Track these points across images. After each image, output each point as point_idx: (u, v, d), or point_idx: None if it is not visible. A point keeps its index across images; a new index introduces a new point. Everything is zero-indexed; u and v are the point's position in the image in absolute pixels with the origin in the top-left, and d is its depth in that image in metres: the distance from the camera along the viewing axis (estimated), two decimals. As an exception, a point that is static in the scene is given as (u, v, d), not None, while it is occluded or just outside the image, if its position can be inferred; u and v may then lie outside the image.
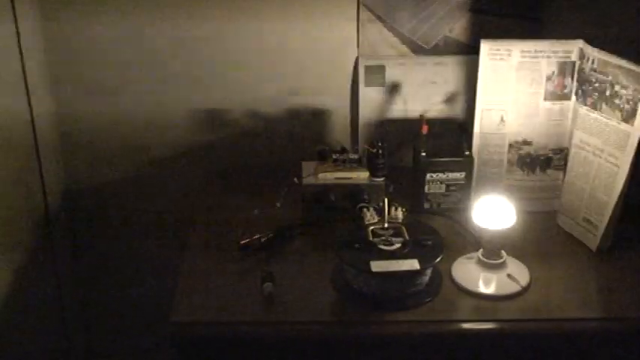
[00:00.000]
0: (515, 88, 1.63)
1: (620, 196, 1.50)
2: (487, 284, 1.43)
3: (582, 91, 1.58)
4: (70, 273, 1.97)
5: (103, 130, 1.86)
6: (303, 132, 1.85)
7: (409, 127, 1.79)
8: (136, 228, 1.94)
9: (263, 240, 1.55)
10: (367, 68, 1.81)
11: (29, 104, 1.74)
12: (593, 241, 1.55)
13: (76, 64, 1.80)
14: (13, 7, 1.66)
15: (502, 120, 1.65)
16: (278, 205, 1.68)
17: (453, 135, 1.71)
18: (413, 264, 1.36)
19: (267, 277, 1.44)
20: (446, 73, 1.82)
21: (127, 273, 1.99)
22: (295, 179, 1.63)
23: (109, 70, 1.81)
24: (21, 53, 1.70)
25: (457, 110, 1.84)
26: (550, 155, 1.67)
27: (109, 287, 2.01)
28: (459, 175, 1.65)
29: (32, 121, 1.76)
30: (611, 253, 1.54)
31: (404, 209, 1.48)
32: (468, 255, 1.49)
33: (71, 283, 1.98)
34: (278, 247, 1.55)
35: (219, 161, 1.87)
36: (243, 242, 1.54)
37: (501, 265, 1.44)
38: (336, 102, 1.85)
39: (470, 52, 1.77)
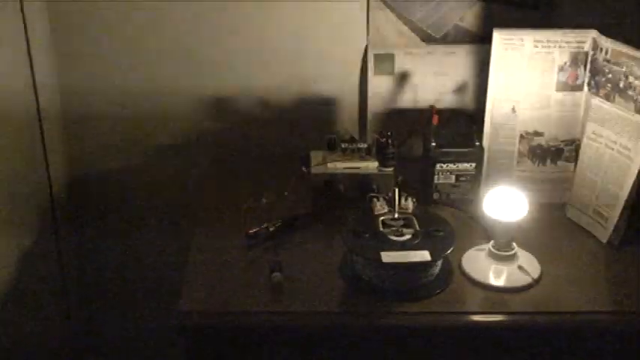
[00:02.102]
0: (527, 78, 1.61)
1: (632, 189, 1.48)
2: (498, 276, 1.42)
3: (595, 82, 1.57)
4: (75, 260, 1.97)
5: (109, 117, 1.85)
6: (312, 121, 1.84)
7: (419, 116, 1.78)
8: (142, 216, 1.93)
9: (271, 229, 1.54)
10: (376, 57, 1.79)
11: (35, 92, 1.73)
12: (604, 234, 1.54)
13: (83, 52, 1.79)
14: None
15: (513, 110, 1.64)
16: (286, 194, 1.67)
17: (463, 125, 1.70)
18: (424, 255, 1.35)
19: (276, 266, 1.42)
20: (456, 62, 1.80)
21: (133, 261, 1.98)
22: (304, 168, 1.62)
23: (115, 58, 1.80)
24: (28, 44, 1.69)
25: (467, 100, 1.82)
26: (561, 146, 1.65)
27: (114, 276, 2.00)
28: (469, 166, 1.64)
29: (38, 108, 1.75)
30: (621, 246, 1.52)
31: (414, 200, 1.46)
32: (479, 246, 1.48)
33: (76, 270, 1.97)
34: (286, 237, 1.54)
35: (227, 150, 1.86)
36: (251, 231, 1.52)
37: (512, 257, 1.43)
38: (345, 91, 1.83)
39: (481, 41, 1.75)
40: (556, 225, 1.61)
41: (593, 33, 1.57)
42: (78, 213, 1.94)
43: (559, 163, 1.66)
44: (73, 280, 1.95)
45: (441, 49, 1.80)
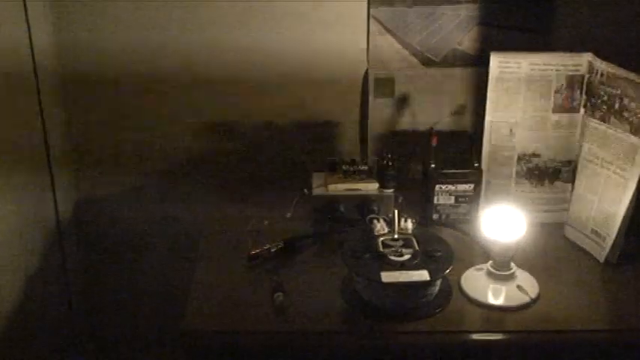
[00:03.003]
0: (524, 100, 1.64)
1: (628, 209, 1.51)
2: (496, 295, 1.44)
3: (591, 103, 1.59)
4: (81, 280, 1.98)
5: (114, 139, 1.87)
6: (314, 143, 1.86)
7: (418, 138, 1.80)
8: (146, 238, 1.95)
9: (273, 250, 1.56)
10: (377, 80, 1.82)
11: (41, 112, 1.76)
12: (602, 253, 1.55)
13: (88, 78, 1.82)
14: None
15: (511, 132, 1.66)
16: (288, 215, 1.69)
17: (462, 147, 1.72)
18: (423, 275, 1.37)
19: (278, 287, 1.45)
20: (455, 85, 1.83)
21: (137, 283, 2.00)
22: (305, 190, 1.65)
23: (122, 80, 1.82)
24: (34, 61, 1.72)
25: (466, 122, 1.85)
26: (559, 167, 1.68)
27: (119, 297, 2.02)
28: (468, 187, 1.66)
29: (44, 129, 1.77)
30: (619, 265, 1.54)
31: (413, 220, 1.49)
32: (478, 266, 1.50)
33: (82, 289, 1.99)
34: (288, 258, 1.57)
35: (230, 172, 1.88)
36: (253, 252, 1.55)
37: (511, 277, 1.45)
38: (346, 113, 1.86)
39: (479, 64, 1.78)
40: (554, 245, 1.63)
41: (589, 56, 1.60)
42: (83, 234, 1.96)
43: (556, 183, 1.69)
44: (78, 297, 1.97)
45: (440, 72, 1.83)
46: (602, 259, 1.56)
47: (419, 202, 1.69)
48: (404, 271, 1.38)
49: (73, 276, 1.94)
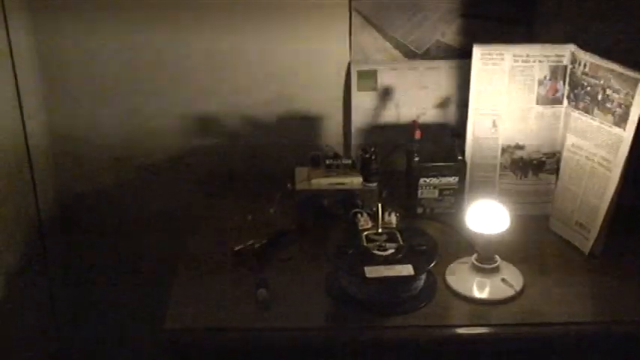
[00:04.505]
0: (508, 92, 1.63)
1: (612, 200, 1.50)
2: (481, 289, 1.43)
3: (574, 95, 1.59)
4: (63, 281, 1.97)
5: (94, 137, 1.86)
6: (296, 138, 1.85)
7: (402, 131, 1.79)
8: (128, 236, 1.93)
9: (257, 246, 1.55)
10: (359, 73, 1.81)
11: (21, 113, 1.74)
12: (586, 245, 1.55)
13: (67, 71, 1.80)
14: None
15: (495, 124, 1.66)
16: (272, 211, 1.68)
17: (445, 139, 1.71)
18: (407, 269, 1.36)
19: (261, 283, 1.43)
20: (438, 77, 1.82)
21: (120, 280, 1.98)
22: (288, 185, 1.63)
23: (100, 77, 1.81)
24: (13, 63, 1.70)
25: (450, 115, 1.84)
26: (543, 159, 1.67)
27: (101, 295, 2.00)
28: (452, 180, 1.65)
29: (24, 129, 1.76)
30: (603, 256, 1.54)
31: (397, 214, 1.48)
32: (462, 259, 1.49)
33: (64, 290, 1.97)
34: (272, 254, 1.55)
35: (212, 168, 1.87)
36: (237, 249, 1.54)
37: (495, 270, 1.44)
38: (329, 107, 1.85)
39: (462, 56, 1.77)
40: (539, 237, 1.62)
41: (572, 47, 1.60)
42: (65, 233, 1.94)
43: (541, 175, 1.68)
44: (61, 302, 1.95)
45: (423, 64, 1.82)
46: (586, 251, 1.55)
47: (403, 196, 1.68)
48: (388, 266, 1.37)
49: (54, 273, 1.92)
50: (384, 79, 1.82)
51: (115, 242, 1.95)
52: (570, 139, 1.60)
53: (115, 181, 1.90)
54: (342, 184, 1.63)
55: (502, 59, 1.62)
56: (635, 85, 1.44)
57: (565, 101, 1.62)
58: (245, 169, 1.87)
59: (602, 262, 1.54)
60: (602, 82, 1.51)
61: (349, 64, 1.81)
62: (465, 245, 1.55)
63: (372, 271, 1.36)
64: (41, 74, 1.80)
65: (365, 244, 1.42)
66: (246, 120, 1.84)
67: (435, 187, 1.66)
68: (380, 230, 1.45)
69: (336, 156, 1.67)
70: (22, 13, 1.73)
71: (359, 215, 1.48)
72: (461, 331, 1.38)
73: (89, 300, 2.01)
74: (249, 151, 1.87)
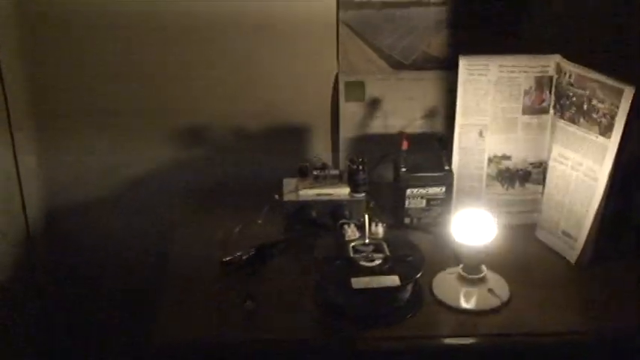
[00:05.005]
0: (494, 102, 1.64)
1: (598, 210, 1.51)
2: (468, 299, 1.44)
3: (560, 105, 1.60)
4: (52, 292, 1.96)
5: (82, 147, 1.85)
6: (284, 148, 1.85)
7: (390, 142, 1.80)
8: (114, 248, 1.93)
9: (245, 257, 1.55)
10: (347, 84, 1.82)
11: (9, 121, 1.74)
12: (573, 255, 1.56)
13: (54, 73, 1.80)
14: None
15: (481, 135, 1.66)
16: (259, 222, 1.68)
17: (432, 150, 1.72)
18: (393, 280, 1.37)
19: (249, 295, 1.43)
20: (425, 88, 1.83)
21: (106, 292, 1.98)
22: (276, 196, 1.64)
23: (89, 84, 1.80)
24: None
25: (437, 125, 1.85)
26: (529, 169, 1.68)
27: (88, 308, 2.00)
28: (440, 190, 1.66)
29: (12, 139, 1.75)
30: (590, 266, 1.55)
31: (384, 225, 1.48)
32: (449, 270, 1.50)
33: (53, 301, 1.97)
34: (260, 265, 1.55)
35: (200, 178, 1.87)
36: (225, 260, 1.54)
37: (482, 280, 1.45)
38: (317, 118, 1.85)
39: (448, 67, 1.77)
40: (526, 247, 1.63)
41: (557, 57, 1.61)
42: (53, 244, 1.94)
43: (527, 185, 1.69)
44: (50, 311, 1.95)
45: (409, 75, 1.83)
46: (573, 261, 1.56)
47: (391, 206, 1.69)
48: (375, 277, 1.37)
49: (43, 282, 1.91)
50: (372, 90, 1.83)
51: (100, 255, 1.94)
52: (556, 149, 1.60)
53: (101, 193, 1.89)
54: (330, 194, 1.63)
55: (488, 70, 1.63)
56: (620, 95, 1.45)
57: (551, 111, 1.63)
58: (233, 181, 1.87)
59: (589, 271, 1.54)
60: (587, 92, 1.52)
61: (337, 75, 1.82)
62: (451, 255, 1.55)
63: (358, 282, 1.36)
64: (31, 77, 1.79)
65: (352, 255, 1.42)
66: (233, 131, 1.84)
67: (422, 198, 1.66)
68: (367, 241, 1.45)
69: (324, 167, 1.67)
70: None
71: (346, 226, 1.49)
72: (448, 341, 1.38)
73: (75, 313, 2.01)
74: (237, 162, 1.86)
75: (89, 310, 2.00)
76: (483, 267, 1.45)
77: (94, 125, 1.84)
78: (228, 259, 1.53)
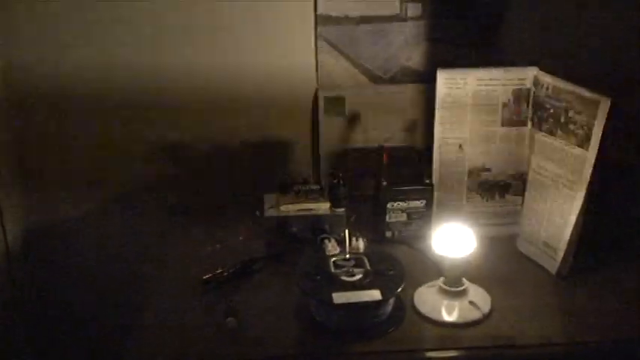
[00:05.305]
0: (473, 115, 1.65)
1: (577, 220, 1.51)
2: (449, 312, 1.44)
3: (538, 117, 1.61)
4: (31, 309, 1.95)
5: (62, 164, 1.85)
6: (265, 164, 1.85)
7: (370, 156, 1.80)
8: (94, 263, 1.92)
9: (226, 274, 1.54)
10: (327, 99, 1.83)
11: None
12: (553, 266, 1.56)
13: (37, 94, 1.79)
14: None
15: (460, 147, 1.67)
16: (241, 238, 1.68)
17: (413, 163, 1.73)
18: (374, 294, 1.36)
19: (230, 311, 1.43)
20: (405, 101, 1.84)
21: (87, 311, 1.96)
22: (257, 212, 1.63)
23: (69, 101, 1.80)
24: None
25: (417, 138, 1.86)
26: (509, 181, 1.69)
27: (71, 325, 1.98)
28: (420, 204, 1.66)
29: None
30: (571, 277, 1.55)
31: (365, 239, 1.48)
32: (430, 283, 1.50)
33: (34, 323, 1.96)
34: (241, 281, 1.55)
35: (181, 195, 1.87)
36: (206, 277, 1.53)
37: (463, 293, 1.45)
38: (298, 133, 1.86)
39: (428, 80, 1.78)
40: (507, 258, 1.63)
41: (534, 70, 1.62)
42: (33, 262, 1.92)
43: (507, 197, 1.70)
44: (30, 328, 1.93)
45: (389, 89, 1.84)
46: (554, 272, 1.56)
47: (372, 220, 1.69)
48: (356, 292, 1.37)
49: (23, 299, 1.90)
50: (352, 104, 1.83)
51: (80, 271, 1.93)
52: (535, 161, 1.61)
53: (81, 211, 1.89)
54: (311, 209, 1.63)
55: (466, 83, 1.64)
56: (597, 107, 1.46)
57: (529, 123, 1.64)
58: (213, 197, 1.87)
59: (569, 281, 1.55)
60: (564, 104, 1.53)
61: (317, 91, 1.82)
62: (433, 268, 1.56)
63: (339, 297, 1.36)
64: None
65: (333, 270, 1.42)
66: (213, 147, 1.84)
67: (403, 211, 1.66)
68: (348, 256, 1.45)
69: (304, 182, 1.67)
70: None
71: (327, 241, 1.49)
72: (430, 354, 1.38)
73: (54, 331, 1.99)
74: (218, 178, 1.87)
75: (67, 329, 1.99)
76: (464, 280, 1.46)
77: (73, 140, 1.83)
78: (208, 276, 1.53)
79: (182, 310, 1.47)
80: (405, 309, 1.45)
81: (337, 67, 1.81)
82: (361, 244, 1.48)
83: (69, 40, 1.75)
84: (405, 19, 1.78)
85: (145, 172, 1.86)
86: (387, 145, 1.77)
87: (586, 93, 1.49)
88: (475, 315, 1.42)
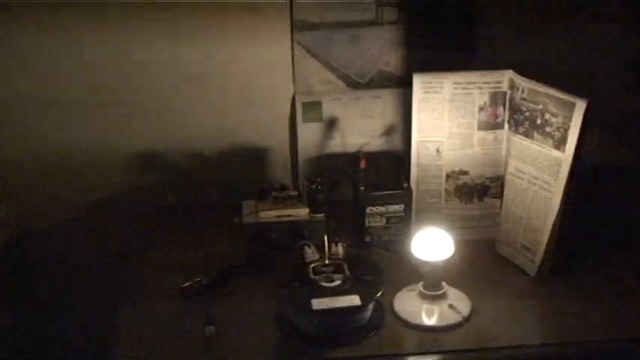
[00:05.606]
0: (449, 119, 1.65)
1: (555, 222, 1.52)
2: (429, 316, 1.44)
3: (514, 120, 1.61)
4: (11, 317, 1.93)
5: (41, 173, 1.83)
6: (243, 171, 1.85)
7: (348, 161, 1.80)
8: (71, 273, 1.90)
9: (204, 282, 1.54)
10: (304, 105, 1.82)
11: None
12: (532, 268, 1.57)
13: (17, 105, 1.78)
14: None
15: (438, 151, 1.67)
16: (219, 245, 1.67)
17: (391, 168, 1.73)
18: (354, 299, 1.36)
19: (209, 319, 1.42)
20: (382, 106, 1.84)
21: (64, 322, 1.95)
22: (236, 219, 1.63)
23: (48, 111, 1.78)
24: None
25: (395, 143, 1.86)
26: (487, 184, 1.69)
27: (51, 333, 1.97)
28: (399, 208, 1.66)
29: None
30: (550, 278, 1.56)
31: (344, 245, 1.48)
32: (410, 287, 1.50)
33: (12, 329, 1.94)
34: (220, 289, 1.54)
35: (159, 203, 1.86)
36: (184, 286, 1.52)
37: (442, 296, 1.45)
38: (275, 139, 1.85)
39: (405, 84, 1.79)
40: (486, 261, 1.64)
41: (510, 73, 1.62)
42: (12, 268, 1.91)
43: (485, 200, 1.70)
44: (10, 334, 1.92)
45: (367, 93, 1.84)
46: (532, 273, 1.57)
47: (351, 225, 1.69)
48: (335, 297, 1.37)
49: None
50: (329, 109, 1.83)
51: (57, 280, 1.91)
52: (512, 164, 1.62)
53: (60, 218, 1.87)
54: (290, 216, 1.62)
55: (442, 87, 1.64)
56: (572, 109, 1.47)
57: (506, 126, 1.64)
58: (191, 205, 1.86)
59: (548, 283, 1.55)
60: (540, 106, 1.54)
61: (294, 96, 1.82)
62: (412, 273, 1.55)
63: (319, 304, 1.36)
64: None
65: (312, 276, 1.42)
66: (191, 154, 1.84)
67: (382, 216, 1.66)
68: (327, 262, 1.45)
69: (282, 188, 1.67)
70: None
71: (306, 247, 1.48)
72: (411, 359, 1.38)
73: (30, 337, 1.97)
74: (195, 185, 1.86)
75: (47, 337, 1.97)
76: (443, 283, 1.46)
77: (52, 149, 1.82)
78: (187, 284, 1.52)
79: (160, 319, 1.46)
80: (385, 313, 1.45)
81: (314, 72, 1.81)
82: (340, 249, 1.47)
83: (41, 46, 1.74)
84: (381, 24, 1.78)
85: (121, 181, 1.85)
86: (364, 150, 1.77)
87: (561, 95, 1.50)
88: (455, 318, 1.43)
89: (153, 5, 1.73)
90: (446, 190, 1.69)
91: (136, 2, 1.72)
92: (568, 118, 1.48)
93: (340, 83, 1.82)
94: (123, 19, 1.73)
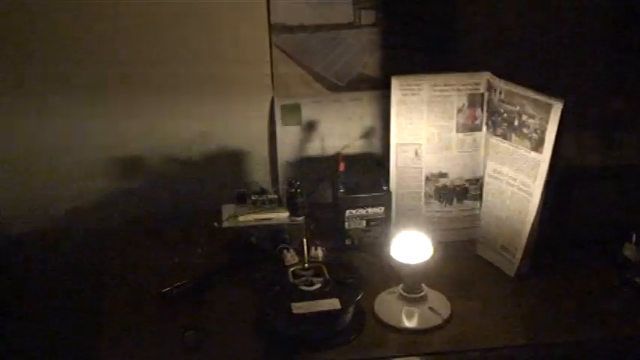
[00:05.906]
0: (428, 121, 1.66)
1: (534, 223, 1.53)
2: (409, 318, 1.44)
3: (492, 121, 1.62)
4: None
5: (17, 180, 1.82)
6: (222, 175, 1.84)
7: (328, 164, 1.80)
8: (50, 281, 1.89)
9: (185, 287, 1.53)
10: (283, 107, 1.82)
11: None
12: (511, 268, 1.58)
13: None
14: None
15: (417, 154, 1.67)
16: (199, 250, 1.67)
17: (370, 170, 1.73)
18: (334, 303, 1.36)
19: (190, 325, 1.42)
20: (362, 109, 1.84)
21: (42, 329, 1.93)
22: (215, 223, 1.62)
23: (24, 117, 1.77)
24: None
25: (375, 145, 1.86)
26: (466, 186, 1.69)
27: (27, 338, 1.95)
28: (379, 210, 1.66)
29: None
30: (529, 279, 1.57)
31: (324, 248, 1.48)
32: (390, 290, 1.50)
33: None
34: (201, 294, 1.54)
35: (138, 209, 1.84)
36: (164, 291, 1.52)
37: (422, 299, 1.45)
38: (254, 143, 1.85)
39: (384, 87, 1.78)
40: (466, 262, 1.64)
41: (488, 75, 1.63)
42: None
43: (465, 202, 1.70)
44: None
45: (346, 96, 1.84)
46: (512, 274, 1.58)
47: (331, 228, 1.69)
48: (315, 301, 1.37)
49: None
50: (309, 112, 1.83)
51: (36, 288, 1.90)
52: (491, 165, 1.62)
53: (38, 226, 1.86)
54: (269, 219, 1.62)
55: (420, 89, 1.64)
56: (549, 110, 1.48)
57: (484, 128, 1.65)
58: (170, 209, 1.85)
59: (528, 284, 1.56)
60: (517, 108, 1.55)
61: (272, 99, 1.82)
62: (392, 275, 1.55)
63: (299, 307, 1.35)
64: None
65: (292, 280, 1.42)
66: (170, 159, 1.83)
67: (361, 218, 1.66)
68: (306, 265, 1.45)
69: (262, 191, 1.67)
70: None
71: (285, 251, 1.48)
72: (391, 361, 1.39)
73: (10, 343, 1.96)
74: (175, 190, 1.85)
75: (29, 345, 1.96)
76: (423, 285, 1.46)
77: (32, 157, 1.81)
78: (167, 289, 1.51)
79: (140, 326, 1.45)
80: (365, 317, 1.45)
81: (293, 75, 1.80)
82: (320, 252, 1.47)
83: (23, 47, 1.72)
84: (359, 27, 1.78)
85: (97, 187, 1.83)
86: (344, 152, 1.77)
87: (538, 96, 1.50)
88: (435, 320, 1.43)
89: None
90: (425, 192, 1.70)
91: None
92: (545, 120, 1.49)
93: (319, 86, 1.82)
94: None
